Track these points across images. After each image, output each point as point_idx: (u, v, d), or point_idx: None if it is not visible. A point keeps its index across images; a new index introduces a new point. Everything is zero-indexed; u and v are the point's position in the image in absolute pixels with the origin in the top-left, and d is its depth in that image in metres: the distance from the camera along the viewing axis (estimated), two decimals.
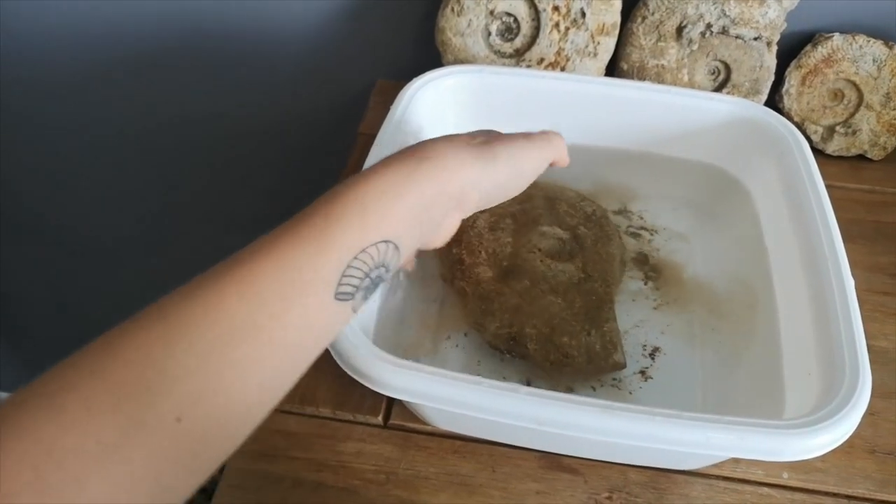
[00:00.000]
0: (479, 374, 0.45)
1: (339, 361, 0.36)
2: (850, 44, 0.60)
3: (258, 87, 0.74)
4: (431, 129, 0.53)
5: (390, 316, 0.44)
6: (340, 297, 0.28)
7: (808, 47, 0.61)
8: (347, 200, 0.28)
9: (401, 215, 0.30)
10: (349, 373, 0.36)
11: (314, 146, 0.79)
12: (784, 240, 0.46)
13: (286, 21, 0.68)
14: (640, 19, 0.59)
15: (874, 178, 0.64)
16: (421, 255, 0.50)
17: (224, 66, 0.73)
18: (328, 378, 0.46)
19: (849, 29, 0.61)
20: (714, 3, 0.57)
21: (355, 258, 0.28)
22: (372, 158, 0.45)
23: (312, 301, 0.26)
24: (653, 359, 0.47)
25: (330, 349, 0.37)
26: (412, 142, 0.51)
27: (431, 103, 0.53)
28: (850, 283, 0.40)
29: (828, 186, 0.46)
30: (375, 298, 0.43)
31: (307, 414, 0.46)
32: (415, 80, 0.52)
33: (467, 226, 0.49)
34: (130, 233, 0.93)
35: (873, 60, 0.61)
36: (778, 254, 0.46)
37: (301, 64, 0.72)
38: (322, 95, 0.75)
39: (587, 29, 0.58)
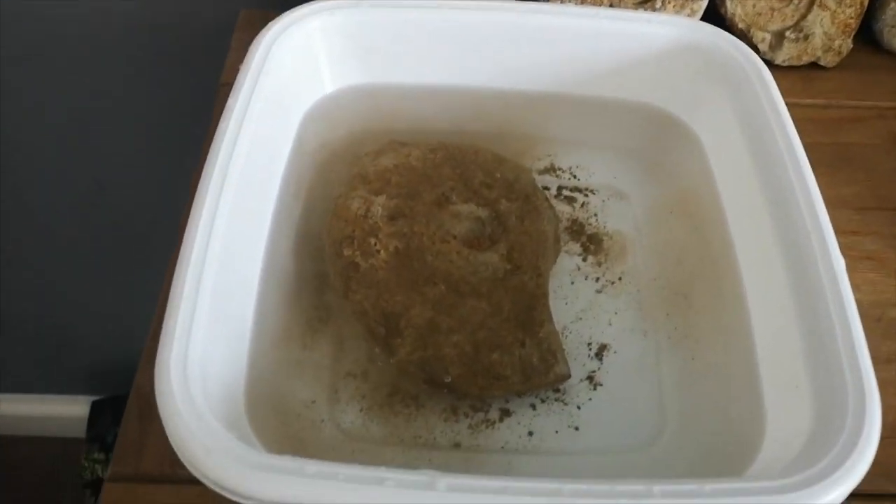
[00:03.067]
0: (392, 408, 0.36)
1: (185, 463, 0.26)
2: None
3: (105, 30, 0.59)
4: (303, 87, 0.41)
5: (268, 366, 0.34)
6: None
7: None
8: None
9: None
10: (199, 479, 0.26)
11: (172, 97, 0.65)
12: (746, 199, 0.38)
13: None
14: None
15: (829, 90, 0.56)
16: (301, 260, 0.39)
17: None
18: None
19: None
20: None
21: None
22: (229, 133, 0.34)
23: None
24: (601, 359, 0.39)
25: (170, 440, 0.27)
26: (275, 110, 0.39)
27: (299, 52, 0.41)
28: (840, 264, 0.32)
29: None
30: (242, 354, 0.33)
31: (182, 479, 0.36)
32: (271, 24, 0.40)
33: (360, 216, 0.38)
34: None
35: None
36: (739, 217, 0.38)
37: None
38: (178, 32, 0.61)
39: None
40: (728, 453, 0.32)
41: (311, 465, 0.26)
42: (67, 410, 1.18)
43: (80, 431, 1.15)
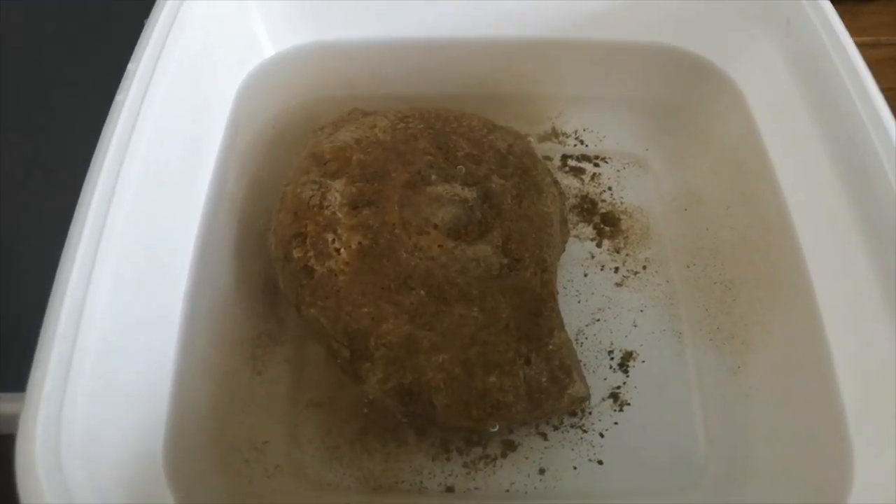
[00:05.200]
0: (365, 445, 0.29)
1: None
2: None
3: None
4: (235, 50, 0.33)
5: (203, 402, 0.26)
6: None
7: None
8: None
9: None
10: None
11: None
12: (807, 164, 0.30)
13: None
14: None
15: (875, 26, 0.47)
16: (246, 265, 0.31)
17: None
18: None
19: None
20: None
21: None
22: (126, 110, 0.26)
23: None
24: (626, 371, 0.31)
25: None
26: (198, 78, 0.31)
27: (226, 5, 0.32)
28: None
29: None
30: (161, 393, 0.25)
31: None
32: None
33: (313, 206, 0.30)
34: None
35: None
36: (797, 186, 0.30)
37: None
38: None
39: None
40: None
41: None
42: None
43: None
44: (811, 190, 0.29)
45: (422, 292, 0.29)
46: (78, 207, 0.23)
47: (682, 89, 0.35)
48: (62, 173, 0.35)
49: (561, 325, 0.30)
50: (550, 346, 0.29)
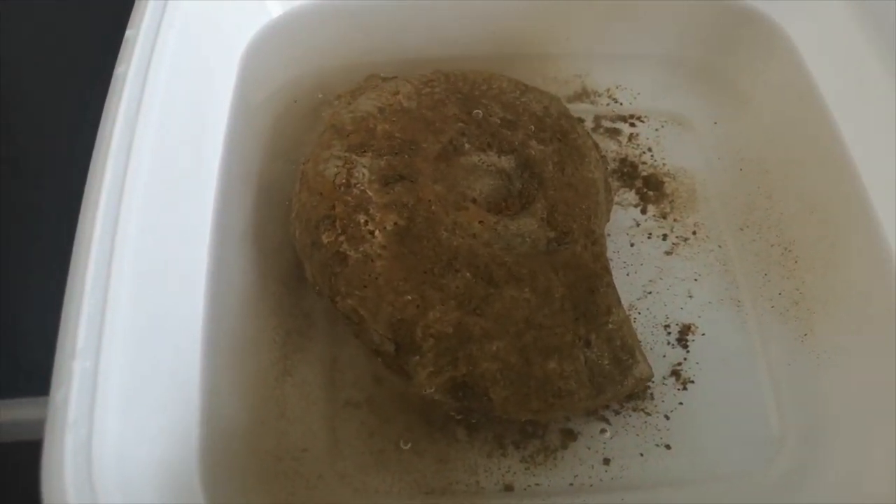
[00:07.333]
0: (414, 445, 0.26)
1: None
2: None
3: None
4: (239, 10, 0.29)
5: (233, 414, 0.24)
6: None
7: None
8: None
9: None
10: None
11: None
12: (878, 116, 0.27)
13: None
14: None
15: None
16: (264, 255, 0.28)
17: None
18: None
19: None
20: None
21: None
22: (129, 84, 0.22)
23: None
24: (685, 346, 0.29)
25: None
26: (200, 44, 0.28)
27: None
28: None
29: None
30: (190, 407, 0.22)
31: None
32: None
33: (339, 185, 0.27)
34: None
35: None
36: (867, 142, 0.28)
37: None
38: None
39: None
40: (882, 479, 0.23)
41: None
42: None
43: None
44: (883, 145, 0.27)
45: (467, 274, 0.26)
46: (84, 206, 0.20)
47: (723, 40, 0.33)
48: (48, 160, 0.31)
49: (618, 302, 0.27)
50: (610, 325, 0.27)
